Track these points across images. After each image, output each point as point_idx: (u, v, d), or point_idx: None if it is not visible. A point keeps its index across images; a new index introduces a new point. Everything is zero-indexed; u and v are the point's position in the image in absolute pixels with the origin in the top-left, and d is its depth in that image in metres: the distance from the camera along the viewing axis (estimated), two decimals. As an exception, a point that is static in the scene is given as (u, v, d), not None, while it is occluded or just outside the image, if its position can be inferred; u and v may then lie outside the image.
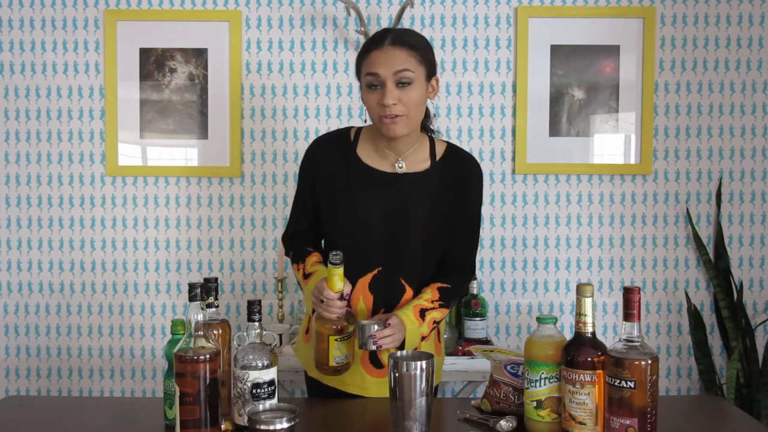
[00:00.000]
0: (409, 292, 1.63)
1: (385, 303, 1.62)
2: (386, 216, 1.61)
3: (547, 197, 2.72)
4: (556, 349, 1.32)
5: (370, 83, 1.53)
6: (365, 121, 2.70)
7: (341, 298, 1.48)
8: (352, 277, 1.59)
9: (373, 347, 1.49)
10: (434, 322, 1.61)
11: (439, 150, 1.67)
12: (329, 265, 1.45)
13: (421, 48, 1.55)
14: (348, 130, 1.69)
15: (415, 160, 1.63)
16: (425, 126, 1.69)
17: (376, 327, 1.49)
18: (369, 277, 1.61)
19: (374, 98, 1.53)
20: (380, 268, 1.61)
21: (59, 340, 2.74)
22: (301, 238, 1.71)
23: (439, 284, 1.63)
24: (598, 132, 2.69)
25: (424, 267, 1.65)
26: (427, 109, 1.66)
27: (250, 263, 2.73)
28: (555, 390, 1.32)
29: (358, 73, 1.59)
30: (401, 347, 1.56)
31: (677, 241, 2.73)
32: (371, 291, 1.61)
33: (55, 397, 2.65)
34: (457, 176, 1.64)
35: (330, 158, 1.64)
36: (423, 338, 1.61)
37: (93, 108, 2.71)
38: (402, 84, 1.51)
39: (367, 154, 1.64)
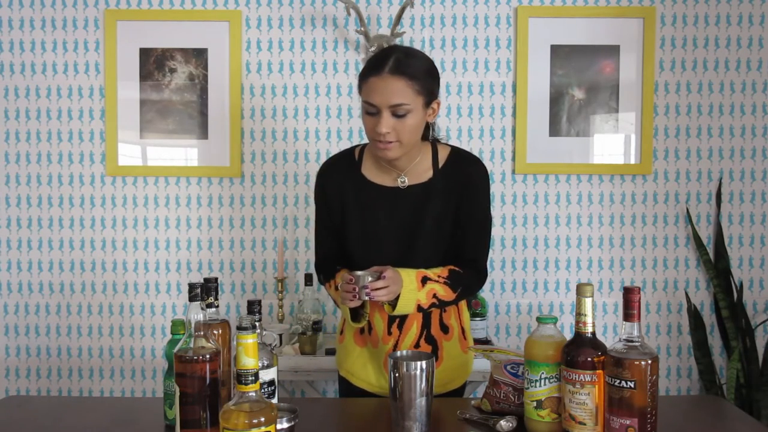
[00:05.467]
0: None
1: (399, 316, 1.63)
2: (395, 230, 1.63)
3: (547, 197, 2.72)
4: (556, 349, 1.31)
5: (366, 109, 1.54)
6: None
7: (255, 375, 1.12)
8: None
9: (366, 298, 1.50)
10: (434, 295, 1.58)
11: (442, 156, 1.66)
12: (238, 331, 1.13)
13: (419, 77, 1.52)
14: (352, 150, 1.72)
15: (417, 171, 1.64)
16: (426, 136, 1.68)
17: (369, 278, 1.51)
18: None
19: (370, 123, 1.54)
20: None
21: (59, 340, 2.74)
22: (330, 261, 1.72)
23: (451, 267, 1.63)
24: (598, 132, 2.69)
25: None
26: (428, 123, 1.65)
27: (250, 263, 2.73)
28: (555, 390, 1.32)
29: (359, 90, 1.59)
30: (394, 306, 1.55)
31: (677, 241, 2.73)
32: (385, 305, 1.61)
33: (55, 397, 2.65)
34: (461, 180, 1.63)
35: (337, 179, 1.67)
36: (420, 309, 1.58)
37: (93, 108, 2.71)
38: (398, 115, 1.51)
39: (371, 171, 1.66)
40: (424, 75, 1.54)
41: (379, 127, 1.51)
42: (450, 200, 1.63)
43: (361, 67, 2.66)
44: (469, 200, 1.64)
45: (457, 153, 1.68)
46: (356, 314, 1.62)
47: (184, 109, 2.69)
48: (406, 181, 1.64)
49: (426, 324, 1.66)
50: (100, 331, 2.74)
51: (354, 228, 1.64)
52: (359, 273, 1.52)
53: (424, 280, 1.57)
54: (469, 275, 1.65)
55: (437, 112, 1.62)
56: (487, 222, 1.68)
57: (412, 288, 1.55)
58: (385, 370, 1.68)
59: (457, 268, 1.63)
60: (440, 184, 1.63)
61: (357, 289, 1.50)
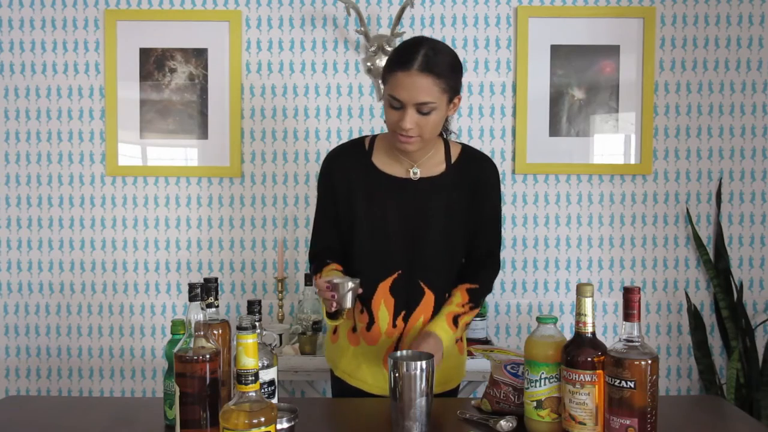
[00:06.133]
0: (428, 295, 1.64)
1: (406, 306, 1.64)
2: (404, 221, 1.63)
3: (547, 197, 2.72)
4: (556, 349, 1.31)
5: (391, 103, 1.54)
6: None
7: (256, 376, 1.12)
8: (373, 281, 1.62)
9: (349, 305, 1.52)
10: (466, 324, 1.66)
11: (454, 152, 1.68)
12: (238, 331, 1.12)
13: (446, 75, 1.52)
14: (362, 139, 1.71)
15: (430, 164, 1.65)
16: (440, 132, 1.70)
17: (350, 284, 1.51)
18: (390, 280, 1.63)
19: (394, 116, 1.54)
20: (400, 272, 1.63)
21: (59, 340, 2.74)
22: (327, 254, 1.70)
23: (468, 285, 1.66)
24: (598, 132, 2.69)
25: (444, 269, 1.67)
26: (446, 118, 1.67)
27: (250, 263, 2.73)
28: (555, 390, 1.32)
29: (383, 80, 1.58)
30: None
31: (677, 241, 2.73)
32: (392, 294, 1.63)
33: (55, 397, 2.65)
34: (473, 177, 1.66)
35: (346, 168, 1.66)
36: (457, 340, 1.67)
37: (93, 108, 2.71)
38: (422, 112, 1.52)
39: (382, 161, 1.66)
40: (450, 72, 1.54)
41: (403, 122, 1.52)
42: (461, 196, 1.65)
43: (361, 67, 2.67)
44: (483, 197, 1.67)
45: (468, 150, 1.71)
46: (334, 312, 1.62)
47: (184, 109, 2.69)
48: (419, 173, 1.64)
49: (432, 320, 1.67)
50: (100, 331, 2.74)
51: (361, 217, 1.64)
52: (337, 280, 1.52)
53: (455, 319, 1.62)
54: (484, 281, 1.69)
55: (458, 106, 1.62)
56: (499, 215, 1.73)
57: (449, 337, 1.60)
58: (384, 368, 1.68)
59: (473, 285, 1.66)
60: (452, 179, 1.65)
61: (336, 296, 1.50)
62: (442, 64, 1.52)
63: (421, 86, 1.49)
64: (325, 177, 1.70)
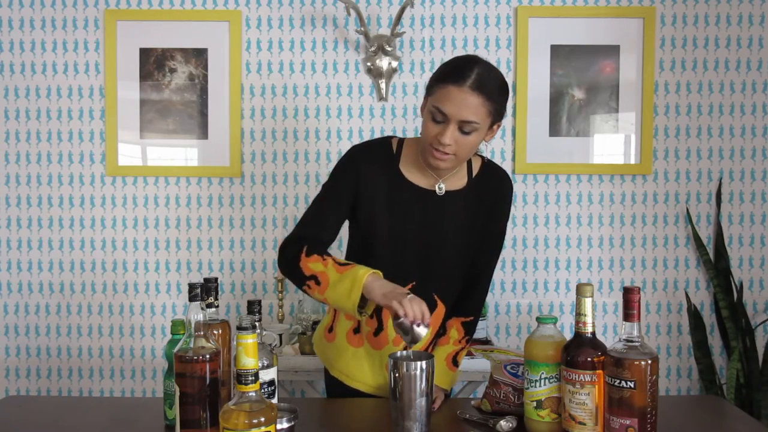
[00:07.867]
0: (440, 307, 1.64)
1: None
2: (423, 232, 1.61)
3: (547, 197, 2.72)
4: (556, 349, 1.32)
5: (434, 115, 1.50)
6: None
7: (255, 376, 1.12)
8: None
9: (416, 343, 1.41)
10: (464, 355, 1.71)
11: (475, 166, 1.66)
12: (238, 331, 1.12)
13: (495, 99, 1.49)
14: (389, 141, 1.65)
15: (453, 178, 1.63)
16: None
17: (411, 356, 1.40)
18: None
19: (433, 129, 1.50)
20: (414, 283, 1.61)
21: (59, 340, 2.74)
22: (319, 246, 1.58)
23: (462, 319, 1.68)
24: (598, 132, 2.69)
25: (457, 282, 1.67)
26: None
27: (250, 263, 2.73)
28: (555, 390, 1.32)
29: (428, 91, 1.54)
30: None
31: (677, 241, 2.73)
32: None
33: (55, 397, 2.65)
34: (492, 193, 1.65)
35: (372, 168, 1.60)
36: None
37: (93, 108, 2.71)
38: (463, 131, 1.49)
39: (408, 169, 1.62)
40: (499, 96, 1.51)
41: (443, 137, 1.48)
42: (479, 211, 1.64)
43: (361, 67, 2.67)
44: (495, 211, 1.66)
45: (488, 165, 1.68)
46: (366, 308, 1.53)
47: (184, 109, 2.69)
48: (444, 188, 1.61)
49: (439, 334, 1.68)
50: (100, 331, 2.74)
51: (381, 225, 1.59)
52: (412, 350, 1.41)
53: (455, 359, 1.66)
54: (476, 308, 1.70)
55: (495, 133, 1.58)
56: (505, 231, 1.72)
57: (449, 380, 1.66)
58: (385, 371, 1.67)
59: (468, 318, 1.68)
60: (473, 194, 1.63)
61: (411, 333, 1.38)
62: (493, 86, 1.50)
63: (470, 104, 1.46)
64: (346, 172, 1.61)
